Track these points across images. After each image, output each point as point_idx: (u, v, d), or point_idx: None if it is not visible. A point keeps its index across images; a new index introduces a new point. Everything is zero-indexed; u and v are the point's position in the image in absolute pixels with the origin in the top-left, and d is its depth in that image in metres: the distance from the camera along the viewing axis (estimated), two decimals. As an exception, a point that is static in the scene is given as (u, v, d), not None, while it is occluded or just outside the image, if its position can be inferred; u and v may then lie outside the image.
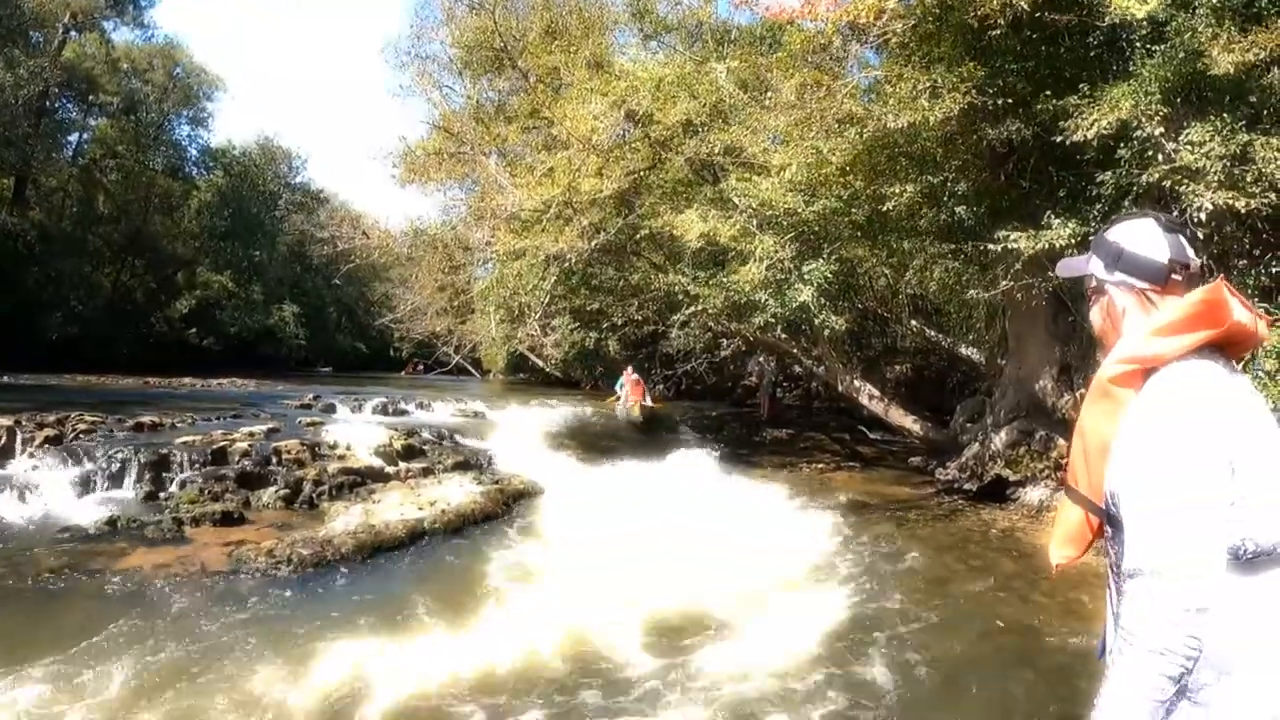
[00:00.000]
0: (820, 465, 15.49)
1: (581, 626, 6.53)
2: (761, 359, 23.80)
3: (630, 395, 20.65)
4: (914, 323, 17.26)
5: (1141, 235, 2.06)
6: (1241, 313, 1.88)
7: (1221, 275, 2.02)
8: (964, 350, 16.06)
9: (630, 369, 22.13)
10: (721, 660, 5.94)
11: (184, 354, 37.14)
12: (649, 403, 20.99)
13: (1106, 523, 1.92)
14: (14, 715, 4.56)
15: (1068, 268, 2.27)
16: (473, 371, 45.63)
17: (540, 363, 35.29)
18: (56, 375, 23.08)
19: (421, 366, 48.63)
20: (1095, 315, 2.18)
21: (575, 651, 6.08)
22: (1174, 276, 2.00)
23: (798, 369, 22.75)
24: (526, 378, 39.67)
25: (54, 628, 5.80)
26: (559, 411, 20.14)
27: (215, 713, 4.71)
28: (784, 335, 14.59)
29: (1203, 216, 7.48)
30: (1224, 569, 1.65)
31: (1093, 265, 2.14)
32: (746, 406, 25.09)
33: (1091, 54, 9.32)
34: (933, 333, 17.15)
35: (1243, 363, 1.97)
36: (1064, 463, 10.69)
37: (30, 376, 21.77)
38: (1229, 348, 1.93)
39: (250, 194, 46.61)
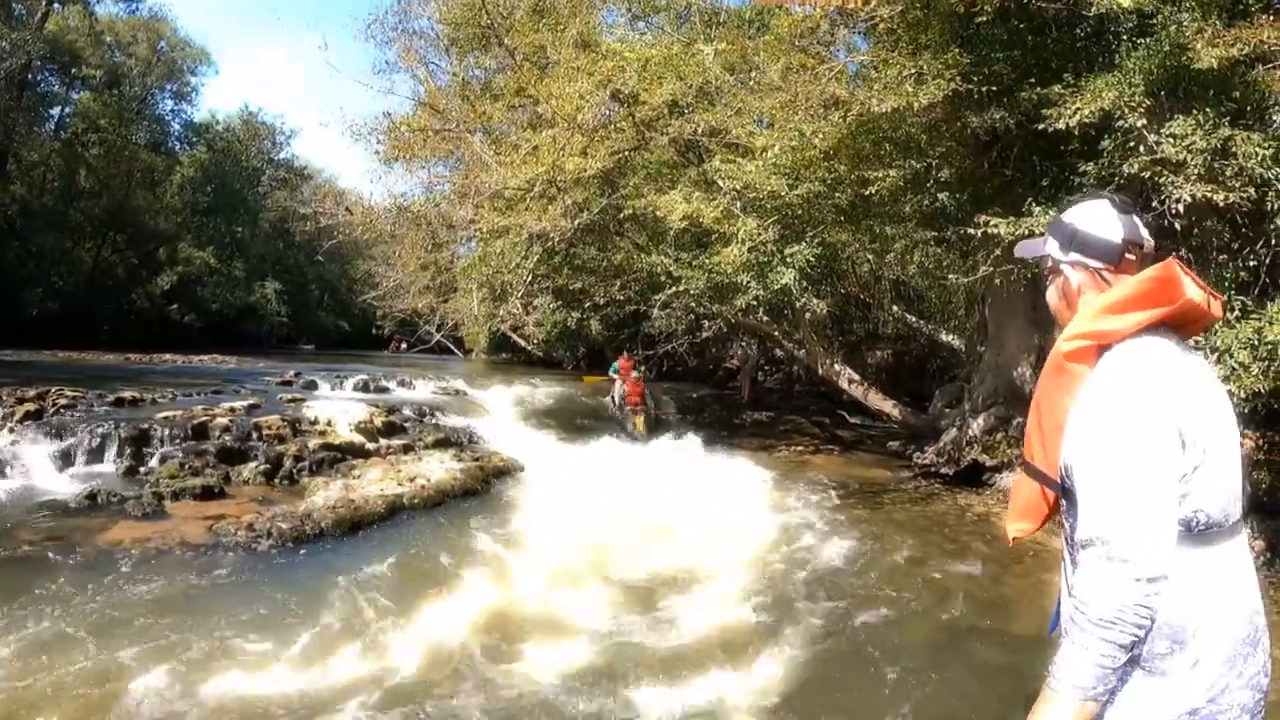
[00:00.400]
0: (799, 448, 15.58)
1: (553, 594, 6.73)
2: (744, 342, 23.83)
3: (627, 398, 17.60)
4: (895, 308, 17.36)
5: (1095, 216, 2.10)
6: (1194, 291, 1.92)
7: (1173, 255, 1.99)
8: (944, 336, 16.20)
9: (625, 356, 19.64)
10: (679, 629, 6.09)
11: (165, 330, 37.00)
12: (650, 405, 18.05)
13: (1062, 496, 1.97)
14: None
15: (1026, 249, 2.32)
16: (455, 351, 45.62)
17: (523, 342, 35.29)
18: (36, 351, 23.01)
19: (405, 345, 48.56)
20: (1052, 294, 2.22)
21: (546, 617, 6.24)
22: (1127, 256, 2.05)
23: (780, 353, 22.79)
24: (509, 357, 39.69)
25: (31, 599, 5.81)
26: (541, 391, 20.19)
27: (191, 681, 4.75)
28: (765, 318, 14.65)
29: (1180, 208, 7.55)
30: (1175, 541, 1.71)
31: (1049, 246, 2.19)
32: (728, 389, 25.15)
33: (1078, 45, 9.41)
34: (914, 319, 17.26)
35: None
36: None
37: (10, 352, 21.69)
38: (1183, 326, 1.98)
39: (233, 169, 46.38)
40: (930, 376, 18.90)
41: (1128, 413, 1.76)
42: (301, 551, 7.44)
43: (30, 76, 33.52)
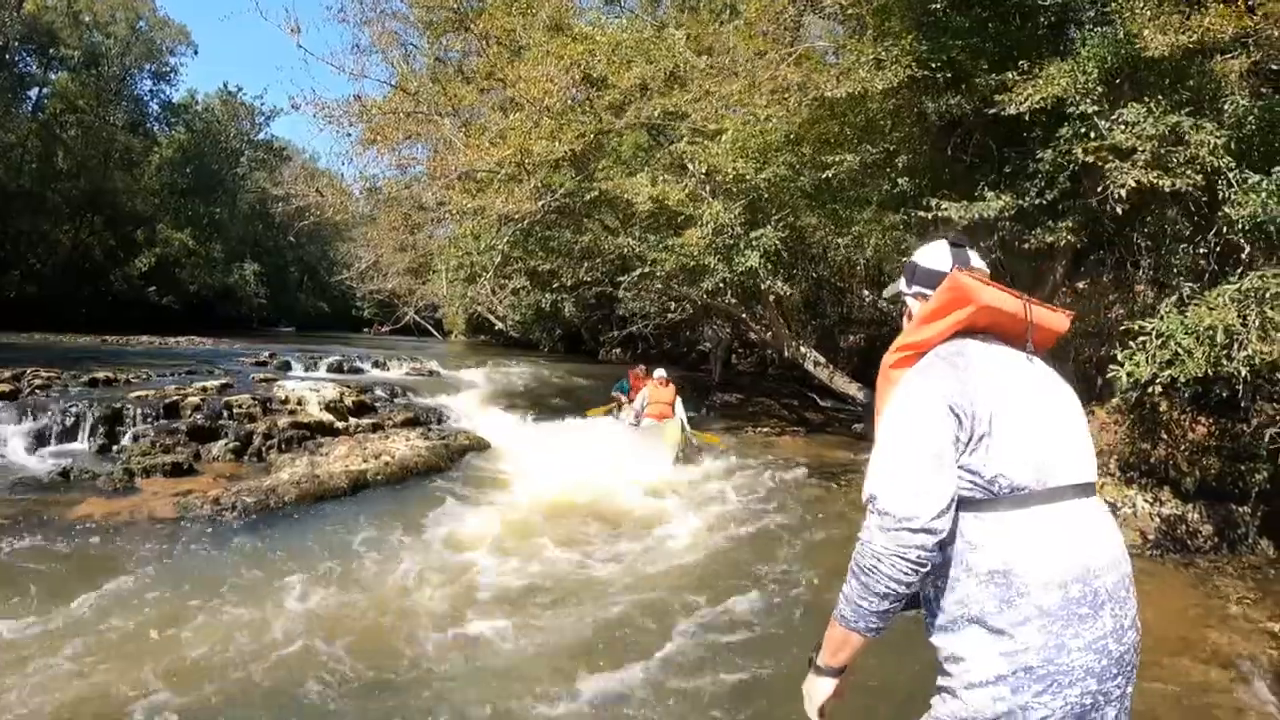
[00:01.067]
0: (766, 429, 15.83)
1: (496, 560, 7.09)
2: (716, 325, 24.04)
3: (647, 407, 13.31)
4: (866, 293, 17.61)
5: (931, 253, 2.41)
6: (995, 297, 2.16)
7: (958, 267, 2.29)
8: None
9: (642, 371, 15.14)
10: (617, 588, 6.45)
11: (143, 313, 37.00)
12: (687, 429, 12.92)
13: None
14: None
15: (890, 290, 2.57)
16: (435, 333, 45.83)
17: (500, 325, 35.49)
18: (13, 334, 23.05)
19: (386, 328, 48.66)
20: (904, 323, 2.43)
21: (488, 583, 6.55)
22: None
23: (754, 336, 23.05)
24: (487, 339, 39.88)
25: (2, 570, 6.06)
26: (514, 371, 20.44)
27: (154, 646, 4.99)
28: (734, 300, 14.87)
29: (1123, 193, 7.79)
30: (944, 503, 1.92)
31: (900, 284, 2.48)
32: (700, 371, 25.39)
33: (1040, 34, 9.61)
34: (884, 303, 17.50)
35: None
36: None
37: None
38: (1005, 333, 2.23)
39: (212, 150, 46.36)
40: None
41: (902, 396, 2.04)
42: (266, 523, 7.70)
43: (7, 57, 33.43)
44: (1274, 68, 8.11)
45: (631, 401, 13.99)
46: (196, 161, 44.49)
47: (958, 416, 1.97)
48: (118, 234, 39.44)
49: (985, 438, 1.97)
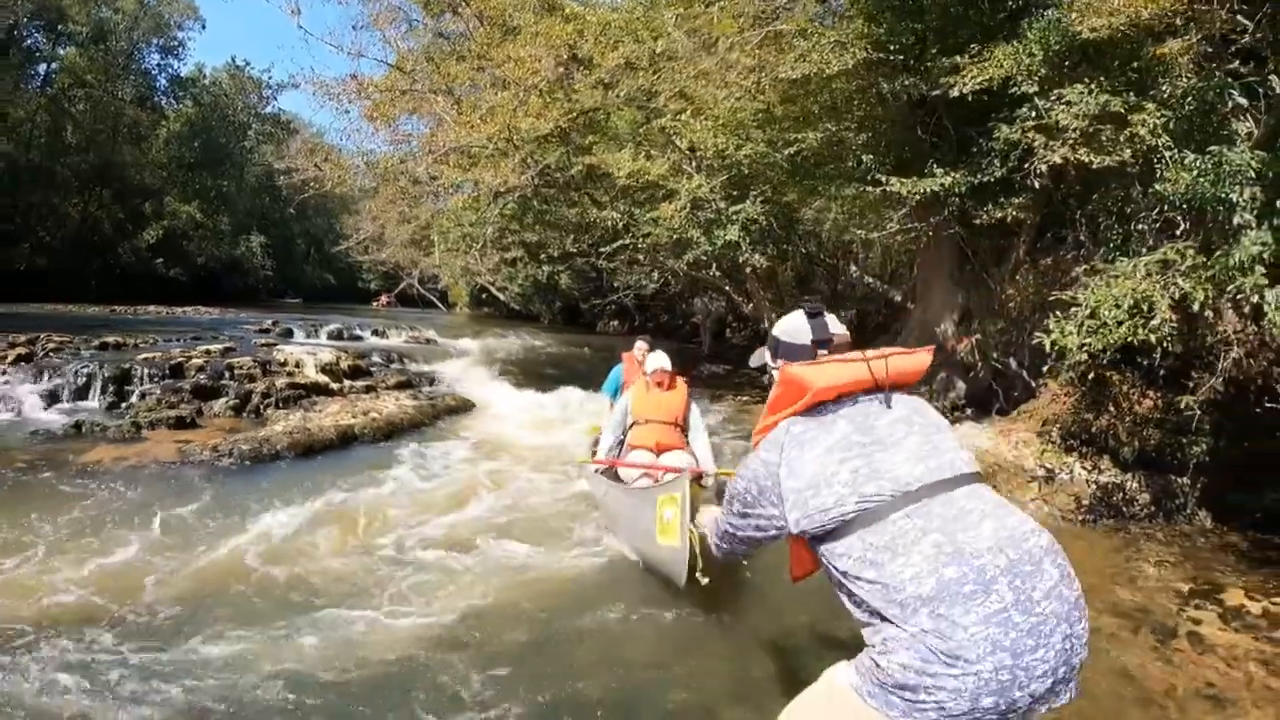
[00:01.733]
0: (746, 398, 16.39)
1: (460, 506, 7.74)
2: (707, 298, 24.55)
3: (632, 433, 7.33)
4: (854, 269, 18.10)
5: (790, 326, 2.70)
6: (832, 375, 2.38)
7: (813, 340, 2.64)
8: (895, 296, 16.90)
9: (644, 348, 9.42)
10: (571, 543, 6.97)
11: (152, 285, 37.46)
12: (709, 480, 6.96)
13: None
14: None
15: (757, 358, 2.88)
16: (439, 305, 46.31)
17: (501, 296, 35.99)
18: (25, 305, 23.68)
19: (392, 299, 49.24)
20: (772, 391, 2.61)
21: (449, 521, 7.22)
22: (820, 351, 2.61)
23: (747, 310, 23.55)
24: (491, 311, 40.28)
25: (22, 503, 6.79)
26: (508, 341, 21.05)
27: (157, 569, 5.71)
28: (718, 274, 15.37)
29: (1044, 169, 8.29)
30: (739, 523, 2.57)
31: (766, 356, 2.80)
32: (692, 343, 26.00)
33: (1000, 18, 9.90)
34: (871, 279, 17.99)
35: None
36: (961, 402, 11.66)
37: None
38: (867, 389, 2.44)
39: (220, 124, 46.78)
40: (893, 335, 19.65)
41: (745, 467, 2.55)
42: (260, 469, 8.53)
43: (16, 34, 33.90)
44: (1209, 49, 8.46)
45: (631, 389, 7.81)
46: (204, 135, 44.91)
47: (778, 479, 2.37)
48: (126, 207, 39.88)
49: (796, 491, 2.31)
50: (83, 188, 38.13)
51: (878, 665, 2.02)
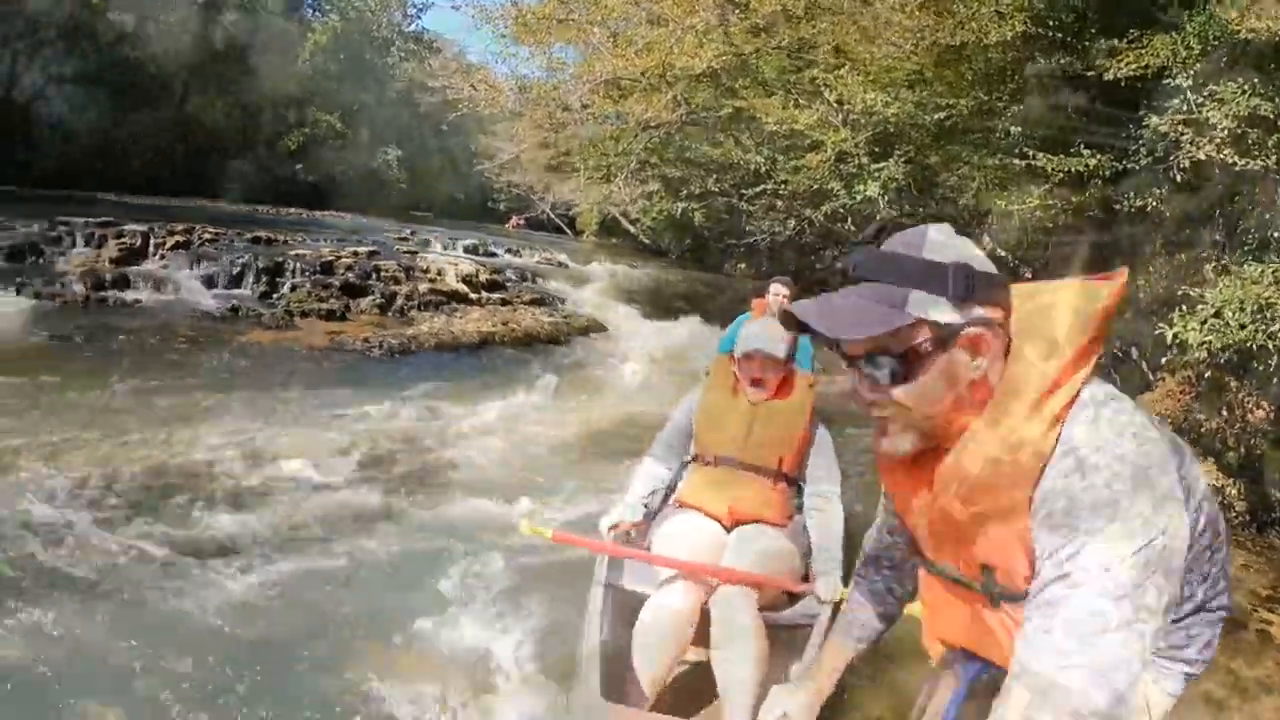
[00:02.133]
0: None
1: (588, 429, 7.78)
2: (838, 251, 24.24)
3: (694, 471, 3.67)
4: (987, 239, 17.68)
5: (968, 248, 1.32)
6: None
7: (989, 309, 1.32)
8: (1026, 272, 16.49)
9: (783, 292, 6.21)
10: None
11: (290, 189, 38.51)
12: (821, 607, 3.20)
13: None
14: (148, 432, 5.91)
15: (857, 326, 1.25)
16: (567, 230, 46.56)
17: (632, 229, 35.94)
18: (172, 198, 24.70)
19: (521, 221, 49.67)
20: (922, 387, 1.29)
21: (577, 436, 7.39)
22: None
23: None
24: (619, 242, 40.34)
25: (187, 373, 7.23)
26: (639, 271, 21.23)
27: (310, 438, 6.06)
28: (853, 228, 15.17)
29: (1188, 163, 7.90)
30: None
31: (917, 305, 1.25)
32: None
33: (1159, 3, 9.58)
34: (1003, 252, 17.56)
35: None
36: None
37: (152, 198, 23.34)
38: None
39: (363, 38, 47.51)
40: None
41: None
42: (407, 362, 8.95)
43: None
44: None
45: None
46: (348, 49, 45.65)
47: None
48: (271, 114, 40.89)
49: None
50: (225, 92, 39.01)
51: None
